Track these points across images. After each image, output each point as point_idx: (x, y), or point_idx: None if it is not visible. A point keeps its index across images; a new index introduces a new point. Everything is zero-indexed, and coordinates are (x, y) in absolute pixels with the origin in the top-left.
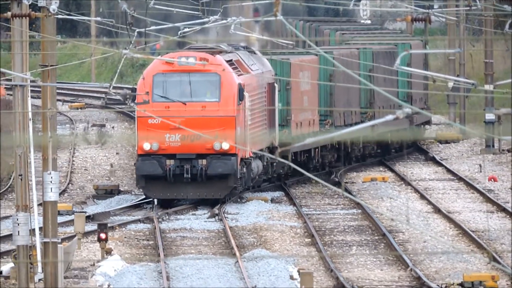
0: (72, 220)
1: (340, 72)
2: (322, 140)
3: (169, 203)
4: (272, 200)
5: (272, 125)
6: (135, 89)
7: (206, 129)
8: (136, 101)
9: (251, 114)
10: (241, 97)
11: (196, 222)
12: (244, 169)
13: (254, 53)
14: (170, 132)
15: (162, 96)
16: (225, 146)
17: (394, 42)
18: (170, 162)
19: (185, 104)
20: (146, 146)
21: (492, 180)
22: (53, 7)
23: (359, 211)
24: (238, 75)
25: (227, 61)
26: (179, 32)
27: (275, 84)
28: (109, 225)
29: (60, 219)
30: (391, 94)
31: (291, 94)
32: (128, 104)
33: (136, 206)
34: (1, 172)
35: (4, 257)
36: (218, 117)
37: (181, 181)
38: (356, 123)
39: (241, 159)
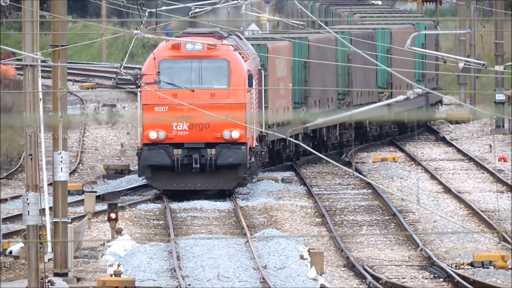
0: (82, 200)
1: (315, 58)
2: (338, 119)
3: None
4: (283, 180)
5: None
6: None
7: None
8: (143, 81)
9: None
10: (250, 83)
11: (207, 201)
12: (253, 159)
13: (240, 38)
14: (177, 120)
15: (169, 83)
16: (235, 134)
17: (373, 27)
18: (177, 152)
19: (193, 91)
20: (153, 135)
21: (502, 160)
22: None
23: (370, 191)
24: (244, 61)
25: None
26: (190, 13)
27: (262, 70)
28: (119, 204)
29: (70, 199)
30: (406, 75)
31: (268, 80)
32: (139, 84)
33: (146, 186)
34: (0, 152)
35: (14, 237)
36: (227, 105)
37: (188, 172)
38: (333, 110)
39: (249, 148)
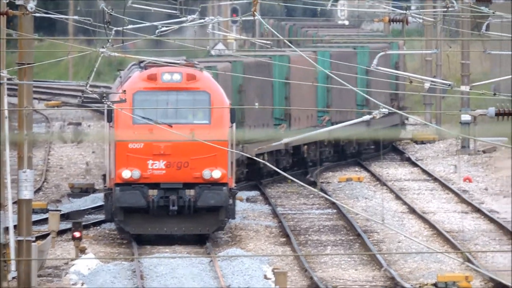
0: (47, 219)
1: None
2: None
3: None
4: (247, 200)
5: None
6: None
7: (195, 155)
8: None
9: None
10: (233, 119)
11: None
12: (230, 201)
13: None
14: (153, 158)
15: (144, 118)
16: (216, 174)
17: (269, 55)
18: (153, 193)
19: (171, 127)
20: (126, 174)
21: (467, 180)
22: (31, 5)
23: (334, 211)
24: None
25: None
26: (157, 31)
27: None
28: (83, 223)
29: (35, 217)
30: (312, 105)
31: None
32: (105, 102)
33: None
34: None
35: None
36: (209, 142)
37: (164, 214)
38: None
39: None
